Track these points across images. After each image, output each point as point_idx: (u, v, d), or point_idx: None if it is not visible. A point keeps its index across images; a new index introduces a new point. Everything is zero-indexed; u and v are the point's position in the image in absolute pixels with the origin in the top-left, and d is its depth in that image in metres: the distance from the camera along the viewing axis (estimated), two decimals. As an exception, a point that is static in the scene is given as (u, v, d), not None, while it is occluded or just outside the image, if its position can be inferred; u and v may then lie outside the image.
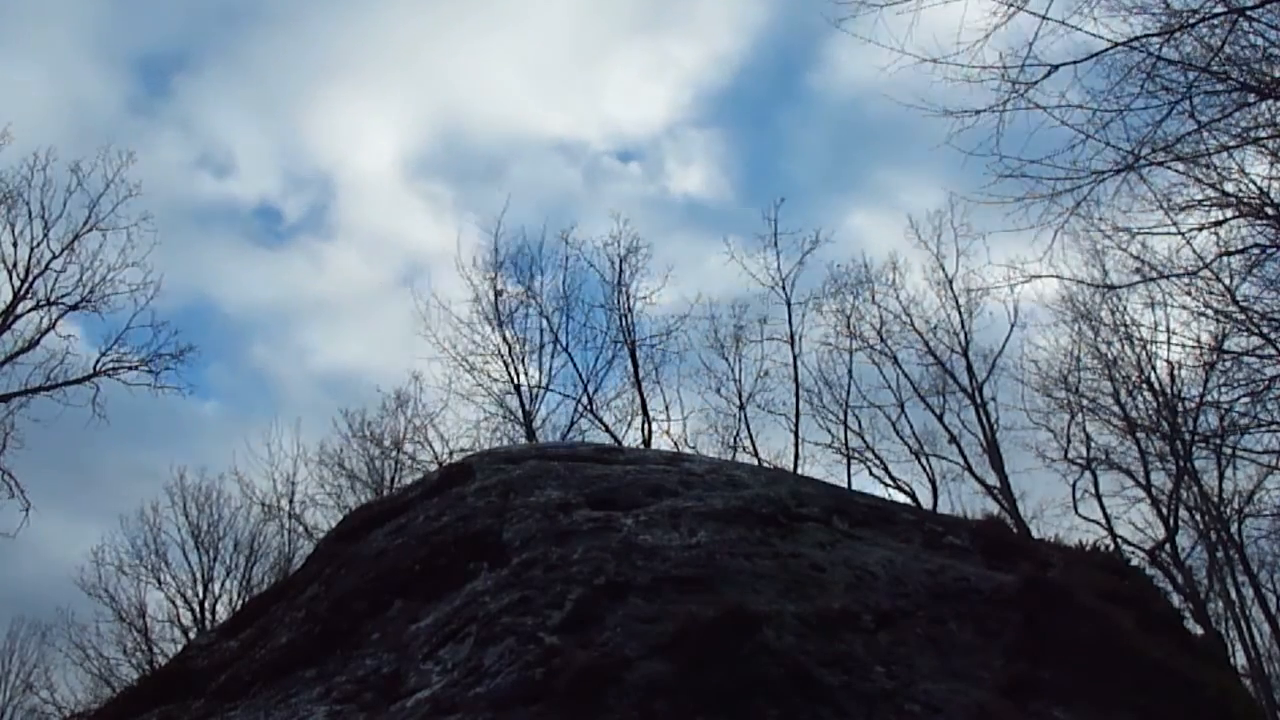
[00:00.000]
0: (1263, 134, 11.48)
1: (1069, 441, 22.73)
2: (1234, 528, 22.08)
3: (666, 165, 57.16)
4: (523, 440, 22.13)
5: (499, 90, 56.93)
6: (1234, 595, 22.40)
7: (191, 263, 51.88)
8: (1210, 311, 15.00)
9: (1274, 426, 14.90)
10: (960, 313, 23.94)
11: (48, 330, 21.31)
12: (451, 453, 22.27)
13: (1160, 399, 21.56)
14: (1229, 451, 18.95)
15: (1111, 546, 14.34)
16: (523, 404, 23.24)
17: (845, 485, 18.46)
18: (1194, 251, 13.41)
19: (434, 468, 17.69)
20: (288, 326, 52.36)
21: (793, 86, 60.76)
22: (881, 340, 24.30)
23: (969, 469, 23.39)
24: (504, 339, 23.43)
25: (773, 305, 23.88)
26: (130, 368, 21.85)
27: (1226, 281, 14.15)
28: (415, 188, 56.52)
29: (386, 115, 57.75)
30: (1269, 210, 12.31)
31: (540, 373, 23.41)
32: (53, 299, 21.42)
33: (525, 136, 54.80)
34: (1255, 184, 12.49)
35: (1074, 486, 22.90)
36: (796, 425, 23.28)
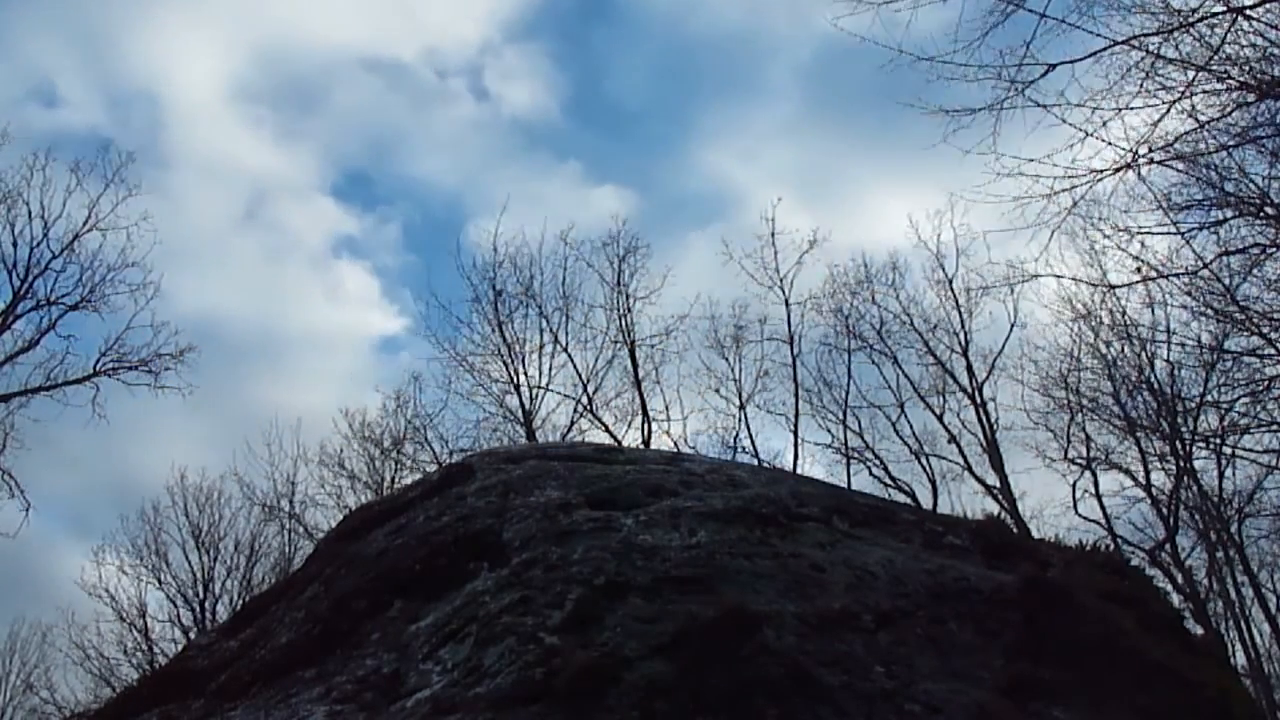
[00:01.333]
0: (1262, 133, 11.49)
1: (1069, 441, 22.74)
2: (1234, 528, 22.08)
3: (489, 83, 57.20)
4: (523, 440, 22.12)
5: (317, 8, 56.19)
6: (1234, 595, 22.40)
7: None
8: (1210, 311, 15.02)
9: (1274, 426, 14.91)
10: (960, 313, 23.94)
11: (48, 330, 21.32)
12: (451, 453, 22.28)
13: (1160, 399, 21.54)
14: (1229, 451, 18.98)
15: (1111, 546, 14.33)
16: (522, 404, 23.26)
17: (845, 485, 18.47)
18: (1194, 251, 13.44)
19: (434, 468, 17.69)
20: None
21: (606, 3, 60.28)
22: (881, 340, 24.30)
23: (969, 469, 23.40)
24: (504, 339, 23.43)
25: (772, 305, 23.89)
26: (130, 368, 21.83)
27: (1226, 281, 14.16)
28: (242, 113, 54.77)
29: (208, 40, 54.90)
30: (1269, 210, 12.31)
31: (540, 373, 23.42)
32: (53, 299, 21.42)
33: (345, 57, 54.14)
34: (1255, 183, 12.50)
35: (1074, 486, 22.91)
36: (796, 425, 23.31)
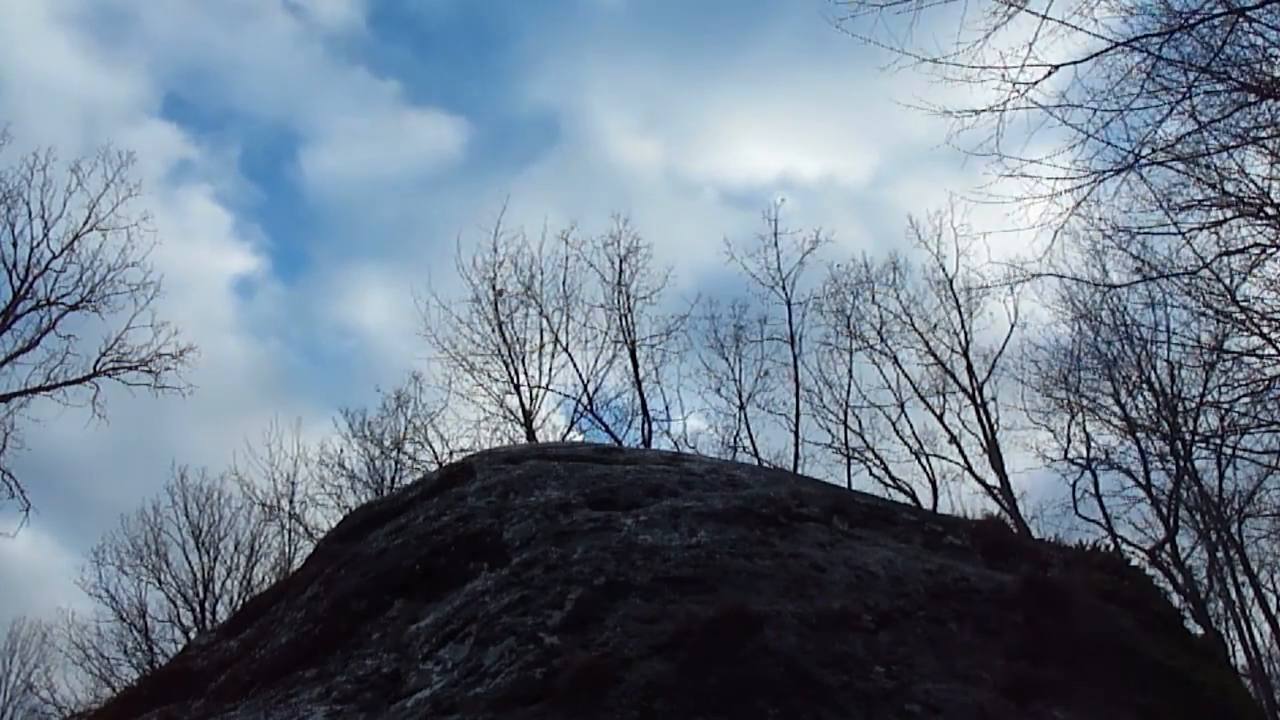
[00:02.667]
0: (1263, 134, 11.49)
1: (1069, 441, 22.73)
2: (1234, 528, 22.07)
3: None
4: (523, 440, 22.12)
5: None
6: (1234, 595, 22.40)
7: None
8: (1210, 311, 15.02)
9: (1274, 426, 14.90)
10: (960, 312, 23.91)
11: (48, 330, 21.29)
12: (451, 453, 22.26)
13: (1160, 399, 21.54)
14: (1229, 451, 18.95)
15: (1111, 546, 14.32)
16: (523, 404, 23.25)
17: (845, 485, 18.46)
18: (1194, 251, 13.42)
19: (434, 468, 17.69)
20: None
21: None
22: (881, 340, 24.29)
23: (969, 469, 23.38)
24: (504, 339, 23.42)
25: (773, 305, 23.88)
26: (130, 368, 21.83)
27: (1226, 281, 14.17)
28: (62, 36, 51.11)
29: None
30: (1269, 210, 12.32)
31: (540, 373, 23.41)
32: (52, 299, 21.38)
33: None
34: (1255, 184, 12.50)
35: (1074, 486, 22.89)
36: (796, 425, 23.28)
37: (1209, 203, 12.34)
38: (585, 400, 23.19)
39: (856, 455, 24.08)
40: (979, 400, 23.43)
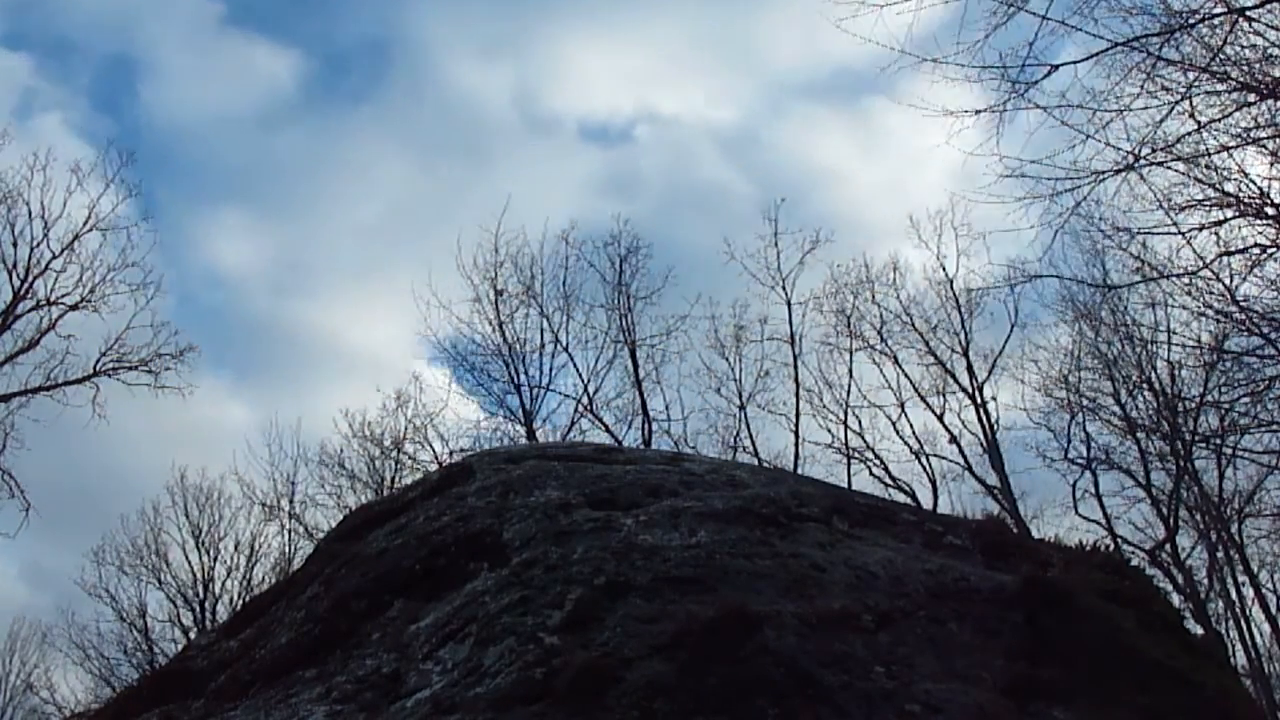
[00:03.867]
0: (1263, 134, 11.47)
1: (1069, 441, 22.71)
2: (1234, 528, 22.05)
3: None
4: (523, 440, 22.11)
5: None
6: (1234, 595, 22.38)
7: None
8: (1210, 311, 14.99)
9: (1274, 426, 14.89)
10: (960, 312, 23.90)
11: (48, 330, 21.27)
12: (451, 453, 22.26)
13: (1160, 399, 21.53)
14: (1229, 451, 18.92)
15: (1111, 546, 14.32)
16: (523, 404, 23.24)
17: (845, 485, 18.45)
18: (1194, 251, 13.41)
19: (434, 468, 17.69)
20: None
21: None
22: (882, 340, 24.28)
23: (969, 469, 23.37)
24: (504, 339, 23.42)
25: (773, 305, 23.88)
26: (130, 368, 21.82)
27: (1226, 281, 14.14)
28: None
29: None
30: (1269, 210, 12.31)
31: (541, 373, 23.41)
32: (52, 299, 21.37)
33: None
34: (1255, 184, 12.48)
35: (1074, 486, 22.88)
36: (796, 425, 23.27)
37: (1209, 203, 12.32)
38: (585, 400, 23.21)
39: (856, 455, 24.08)
40: (979, 400, 23.44)
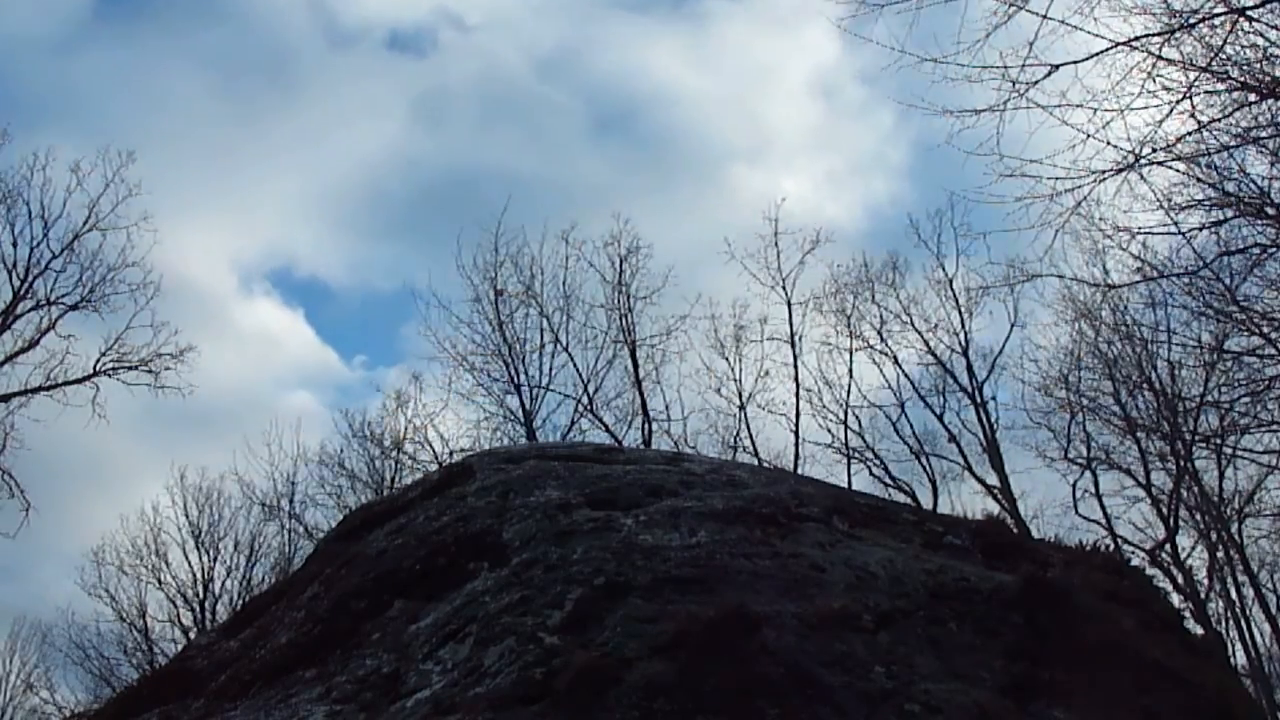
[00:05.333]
0: (1263, 134, 11.47)
1: (1069, 441, 22.70)
2: (1234, 528, 22.05)
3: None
4: (523, 440, 22.10)
5: None
6: (1234, 595, 22.39)
7: None
8: (1210, 311, 15.00)
9: (1274, 426, 14.90)
10: (960, 312, 23.90)
11: (47, 330, 21.30)
12: (451, 453, 22.25)
13: (1160, 399, 21.52)
14: (1229, 451, 18.95)
15: (1111, 546, 14.32)
16: (523, 404, 23.24)
17: (845, 485, 18.46)
18: (1194, 251, 13.40)
19: (434, 468, 17.68)
20: None
21: None
22: (881, 340, 24.28)
23: (969, 469, 23.36)
24: (504, 339, 23.41)
25: (773, 305, 23.87)
26: (130, 368, 21.85)
27: (1227, 281, 14.15)
28: None
29: None
30: (1269, 210, 12.31)
31: (540, 372, 23.40)
32: (52, 299, 21.40)
33: None
34: (1256, 184, 12.48)
35: (1074, 486, 22.87)
36: (796, 425, 23.27)
37: (1209, 202, 12.31)
38: (585, 400, 23.21)
39: (856, 455, 24.08)
40: (979, 400, 23.44)
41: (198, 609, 25.04)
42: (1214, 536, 22.28)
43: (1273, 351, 13.69)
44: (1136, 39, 10.60)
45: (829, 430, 24.13)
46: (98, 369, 21.53)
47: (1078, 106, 10.80)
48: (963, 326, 23.90)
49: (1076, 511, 22.76)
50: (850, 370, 24.18)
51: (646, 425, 22.87)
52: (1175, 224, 12.50)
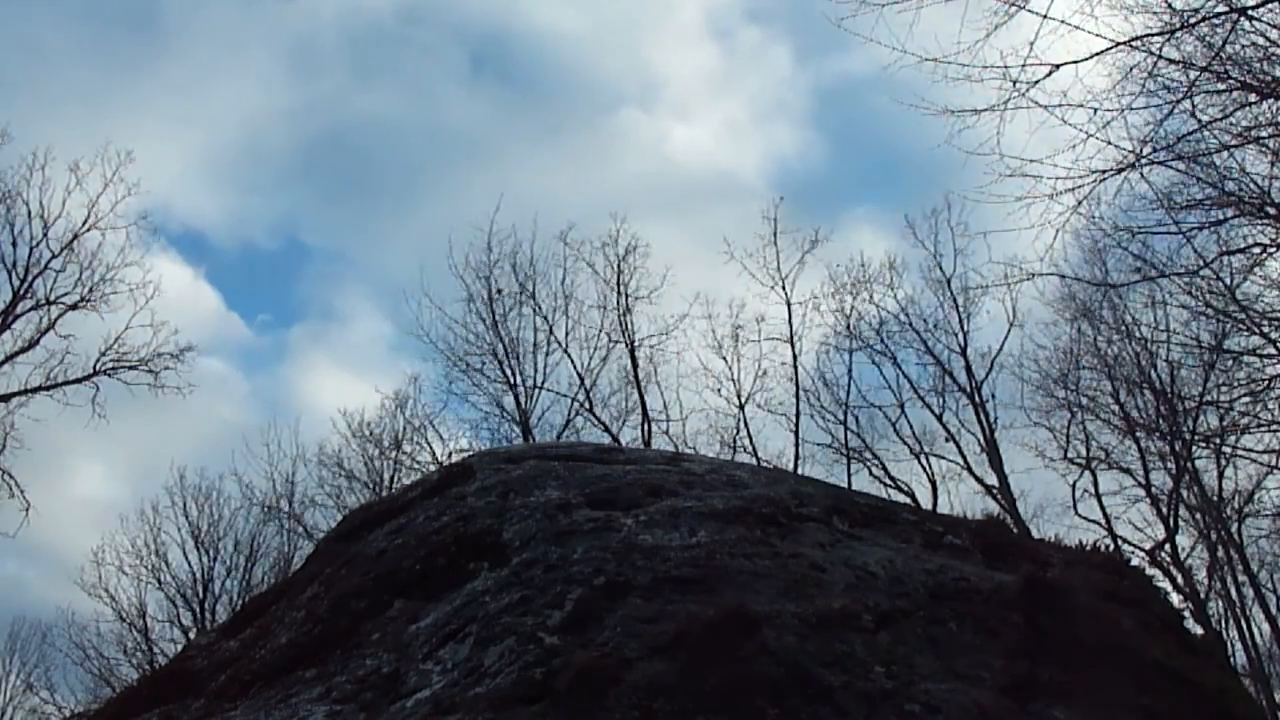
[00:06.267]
0: (1263, 133, 11.46)
1: (1069, 441, 22.67)
2: (1234, 528, 22.03)
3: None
4: (519, 440, 22.09)
5: None
6: (1234, 595, 22.37)
7: None
8: (1210, 311, 15.00)
9: (1274, 426, 14.90)
10: (959, 312, 23.84)
11: (47, 330, 21.28)
12: (451, 453, 22.25)
13: (1160, 398, 21.50)
14: (1229, 451, 18.96)
15: (1111, 546, 14.31)
16: (518, 403, 23.22)
17: (845, 485, 18.45)
18: (1194, 251, 13.39)
19: (434, 468, 17.67)
20: None
21: None
22: (881, 340, 24.26)
23: (968, 469, 23.31)
24: (500, 338, 23.40)
25: (772, 305, 23.86)
26: (130, 367, 21.85)
27: (1227, 281, 14.15)
28: None
29: None
30: (1269, 210, 12.31)
31: (536, 371, 23.39)
32: (52, 299, 21.38)
33: None
34: (1256, 183, 12.47)
35: (1074, 486, 22.84)
36: (796, 425, 23.24)
37: (1209, 202, 12.31)
38: (583, 399, 23.20)
39: (856, 455, 24.03)
40: (978, 400, 23.39)
41: (197, 609, 25.03)
42: (1214, 536, 22.27)
43: (1273, 351, 13.70)
44: (1137, 38, 10.60)
45: (829, 430, 24.15)
46: (97, 368, 21.53)
47: (1078, 106, 10.81)
48: (961, 326, 23.91)
49: (1076, 511, 22.76)
50: (850, 370, 24.20)
51: (646, 425, 22.87)
52: (1175, 224, 12.50)
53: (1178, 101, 10.73)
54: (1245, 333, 14.49)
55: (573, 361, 23.32)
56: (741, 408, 23.48)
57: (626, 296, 23.38)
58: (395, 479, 23.45)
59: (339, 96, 55.19)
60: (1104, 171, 10.99)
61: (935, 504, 22.51)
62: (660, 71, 50.69)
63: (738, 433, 23.36)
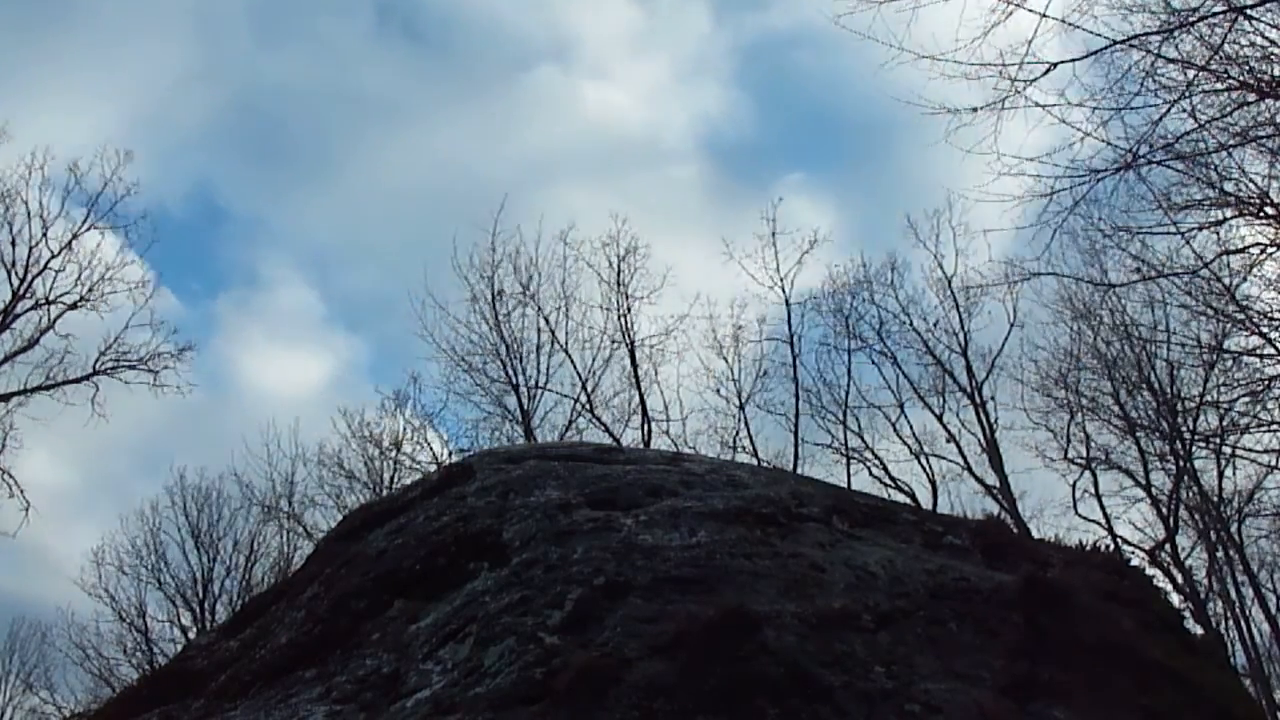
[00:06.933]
0: (1262, 133, 11.48)
1: (1069, 441, 22.68)
2: (1234, 528, 22.05)
3: None
4: (521, 440, 22.09)
5: None
6: (1234, 595, 22.37)
7: None
8: (1210, 311, 15.04)
9: (1274, 426, 14.92)
10: (959, 312, 23.85)
11: (47, 329, 21.35)
12: (451, 453, 22.26)
13: (1160, 399, 21.52)
14: (1229, 451, 18.97)
15: (1111, 546, 14.31)
16: (520, 403, 23.22)
17: (845, 485, 18.44)
18: (1193, 251, 13.44)
19: (434, 468, 17.67)
20: None
21: None
22: (881, 340, 24.26)
23: (969, 469, 23.33)
24: (502, 338, 23.41)
25: (772, 305, 23.86)
26: (129, 367, 21.91)
27: (1226, 281, 14.18)
28: None
29: None
30: (1269, 210, 12.32)
31: (538, 371, 23.39)
32: (51, 298, 21.47)
33: None
34: (1255, 183, 12.49)
35: (1074, 486, 22.85)
36: (796, 425, 23.25)
37: (1208, 202, 12.33)
38: (584, 399, 23.21)
39: (856, 455, 24.06)
40: (978, 400, 23.40)
41: (197, 609, 25.04)
42: (1214, 536, 22.28)
43: (1272, 351, 13.72)
44: (1135, 37, 10.61)
45: (829, 430, 24.16)
46: (97, 368, 21.62)
47: (1077, 105, 10.83)
48: (961, 326, 23.91)
49: (1076, 511, 22.77)
50: (850, 370, 24.21)
51: (646, 425, 22.88)
52: (1174, 223, 12.52)
53: (1176, 101, 10.75)
54: (1245, 333, 14.53)
55: (573, 363, 23.35)
56: (742, 408, 23.52)
57: (627, 297, 23.42)
58: (395, 479, 23.46)
59: (246, 61, 54.43)
60: (1102, 171, 11.02)
61: (935, 504, 22.53)
62: (575, 29, 49.80)
63: (738, 433, 23.40)
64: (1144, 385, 21.83)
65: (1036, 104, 10.85)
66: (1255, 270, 13.07)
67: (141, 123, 47.88)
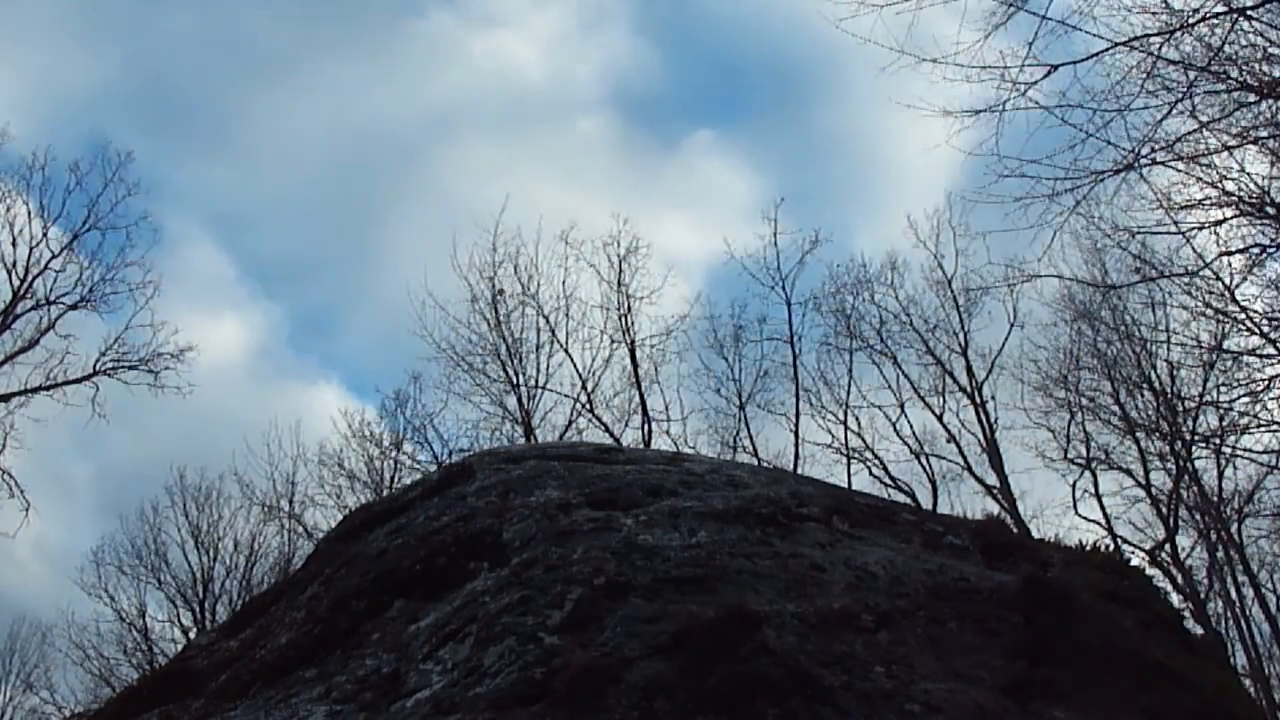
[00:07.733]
0: (1263, 133, 11.49)
1: (1069, 441, 22.71)
2: (1234, 528, 22.06)
3: None
4: (521, 440, 22.10)
5: None
6: (1234, 595, 22.37)
7: None
8: (1210, 311, 15.04)
9: (1274, 426, 14.92)
10: (959, 312, 23.88)
11: (47, 330, 21.34)
12: (451, 453, 22.27)
13: (1160, 399, 21.53)
14: (1228, 451, 18.96)
15: (1111, 546, 14.32)
16: (521, 404, 23.23)
17: (845, 485, 18.45)
18: (1194, 251, 13.44)
19: (434, 468, 17.68)
20: None
21: None
22: (881, 340, 24.26)
23: (969, 469, 23.35)
24: (502, 338, 23.41)
25: (772, 305, 23.86)
26: (130, 367, 21.90)
27: (1226, 281, 14.18)
28: None
29: None
30: (1269, 209, 12.32)
31: (538, 372, 23.41)
32: (52, 298, 21.46)
33: None
34: (1255, 183, 12.49)
35: (1074, 486, 22.89)
36: (796, 425, 23.26)
37: (1209, 202, 12.33)
38: (585, 399, 23.21)
39: (856, 455, 24.07)
40: (978, 400, 23.42)
41: (197, 609, 25.06)
42: (1214, 536, 22.28)
43: (1272, 351, 13.72)
44: (1136, 39, 10.62)
45: (829, 430, 24.17)
46: (97, 368, 21.60)
47: (1077, 106, 10.83)
48: (962, 326, 23.92)
49: (1076, 511, 22.80)
50: (850, 370, 24.21)
51: (646, 425, 22.89)
52: (1175, 223, 12.53)
53: (1177, 101, 10.75)
54: (1245, 333, 14.53)
55: (573, 363, 23.36)
56: (742, 408, 23.52)
57: (628, 296, 23.42)
58: (396, 479, 23.47)
59: (133, 17, 53.22)
60: (1103, 172, 11.02)
61: (935, 504, 22.54)
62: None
63: (738, 433, 23.41)
64: (1144, 385, 21.85)
65: (1038, 105, 10.87)
66: (1255, 270, 13.08)
67: (31, 84, 46.82)
